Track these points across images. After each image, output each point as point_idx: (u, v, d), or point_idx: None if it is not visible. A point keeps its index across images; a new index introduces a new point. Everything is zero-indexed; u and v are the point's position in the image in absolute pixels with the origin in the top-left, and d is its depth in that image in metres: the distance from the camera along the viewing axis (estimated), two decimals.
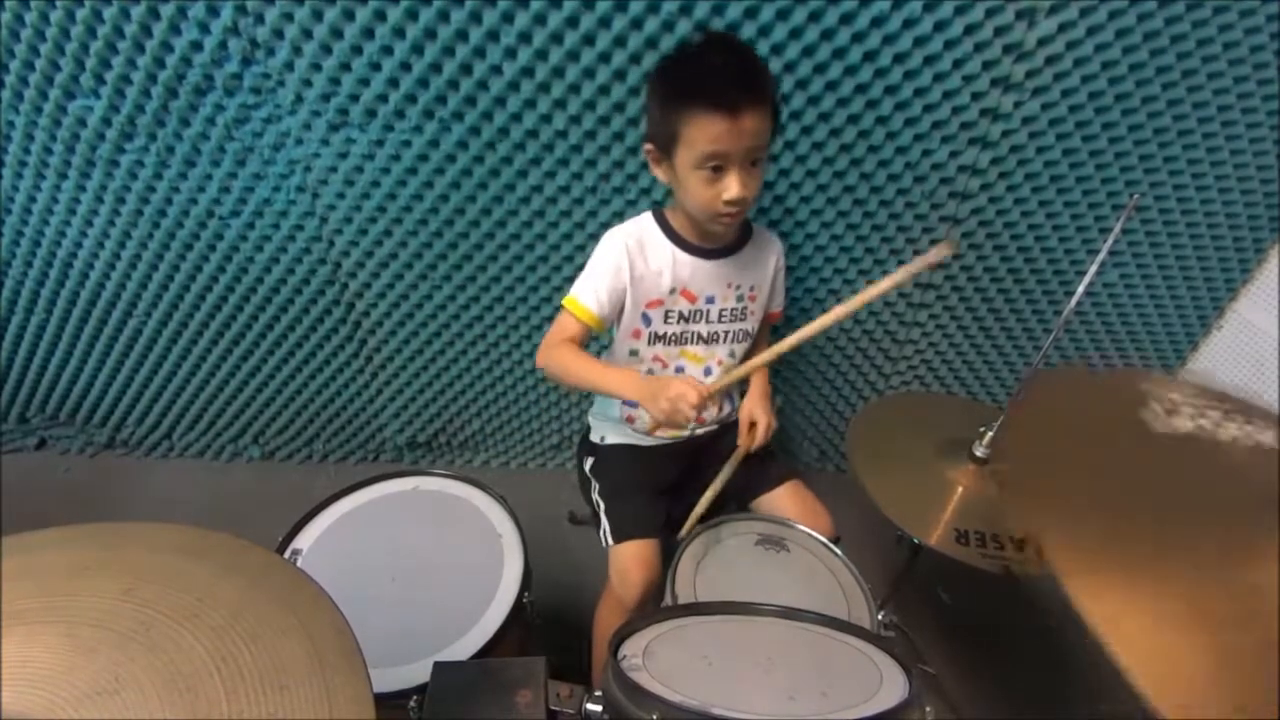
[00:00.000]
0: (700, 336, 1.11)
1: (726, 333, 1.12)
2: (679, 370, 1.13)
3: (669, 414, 0.86)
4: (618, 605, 1.07)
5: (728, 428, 1.23)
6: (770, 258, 1.14)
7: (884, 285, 0.83)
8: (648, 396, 0.90)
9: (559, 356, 1.03)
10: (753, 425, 1.15)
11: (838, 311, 0.86)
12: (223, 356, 1.62)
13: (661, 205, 1.29)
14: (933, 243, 1.42)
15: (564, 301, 1.06)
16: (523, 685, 0.66)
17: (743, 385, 1.23)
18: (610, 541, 1.09)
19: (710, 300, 1.09)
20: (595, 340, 1.34)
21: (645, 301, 1.06)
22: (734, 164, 0.89)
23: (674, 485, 1.21)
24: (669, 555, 0.99)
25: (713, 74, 0.88)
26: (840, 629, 0.75)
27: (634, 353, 1.11)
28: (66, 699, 0.41)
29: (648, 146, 0.98)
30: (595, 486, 1.18)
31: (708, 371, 1.15)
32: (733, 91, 0.85)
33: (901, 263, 1.45)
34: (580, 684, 0.67)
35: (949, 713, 1.29)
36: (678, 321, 1.09)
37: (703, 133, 0.86)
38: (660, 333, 1.09)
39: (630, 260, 1.03)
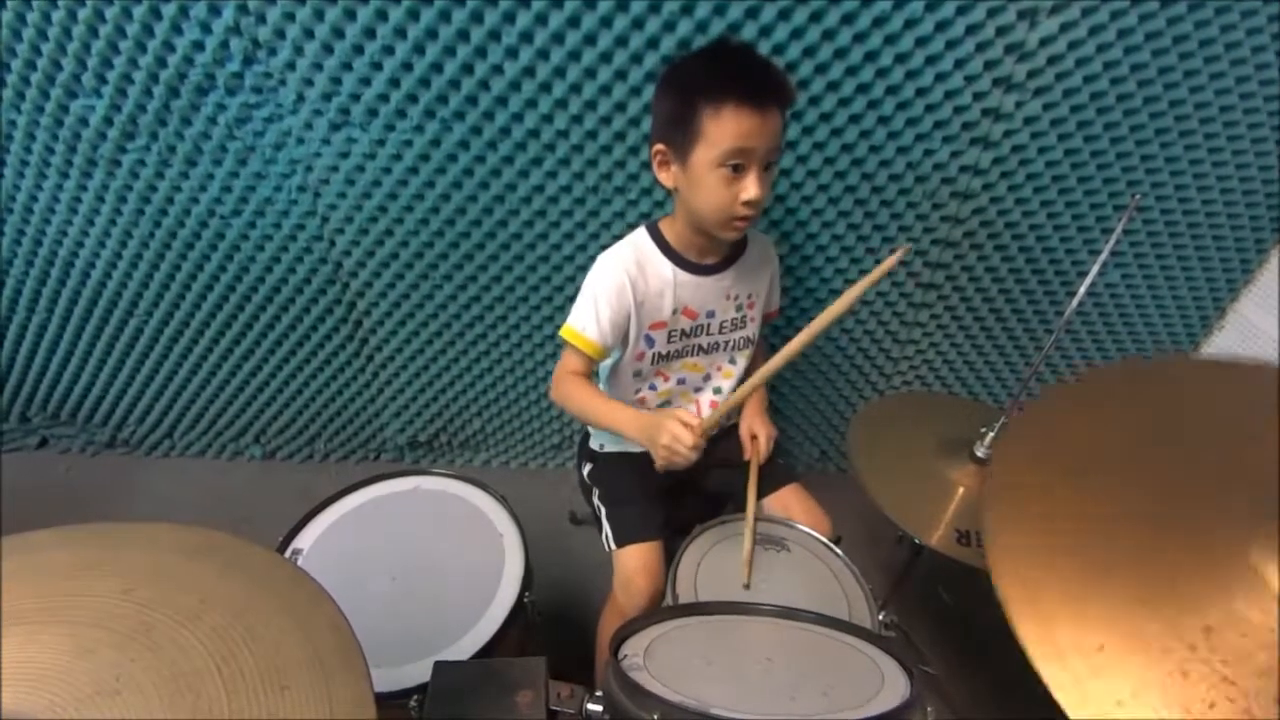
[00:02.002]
0: (701, 348, 1.11)
1: (727, 342, 1.12)
2: (680, 382, 1.13)
3: (668, 458, 0.86)
4: (620, 614, 1.06)
5: (726, 432, 1.23)
6: (766, 263, 1.13)
7: (845, 301, 0.75)
8: (646, 439, 0.90)
9: (567, 392, 1.03)
10: (754, 438, 1.16)
11: (807, 334, 0.79)
12: (223, 356, 1.62)
13: (660, 207, 1.29)
14: (934, 242, 1.42)
15: (562, 332, 1.03)
16: (523, 685, 0.66)
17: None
18: (612, 546, 1.08)
19: (710, 314, 1.08)
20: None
21: (649, 324, 1.04)
22: (755, 163, 0.87)
23: (673, 488, 1.21)
24: (673, 551, 0.99)
25: (742, 71, 0.87)
26: (841, 629, 0.75)
27: (637, 373, 1.10)
28: (67, 699, 0.41)
29: (659, 148, 0.93)
30: (595, 492, 1.18)
31: (707, 377, 1.15)
32: (763, 88, 0.85)
33: (903, 263, 1.45)
34: (580, 684, 0.67)
35: (949, 713, 1.29)
36: (680, 339, 1.08)
37: (731, 128, 0.84)
38: (663, 352, 1.08)
39: (633, 284, 0.99)
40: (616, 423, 0.96)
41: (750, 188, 0.87)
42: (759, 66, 0.90)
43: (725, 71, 0.87)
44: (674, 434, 0.84)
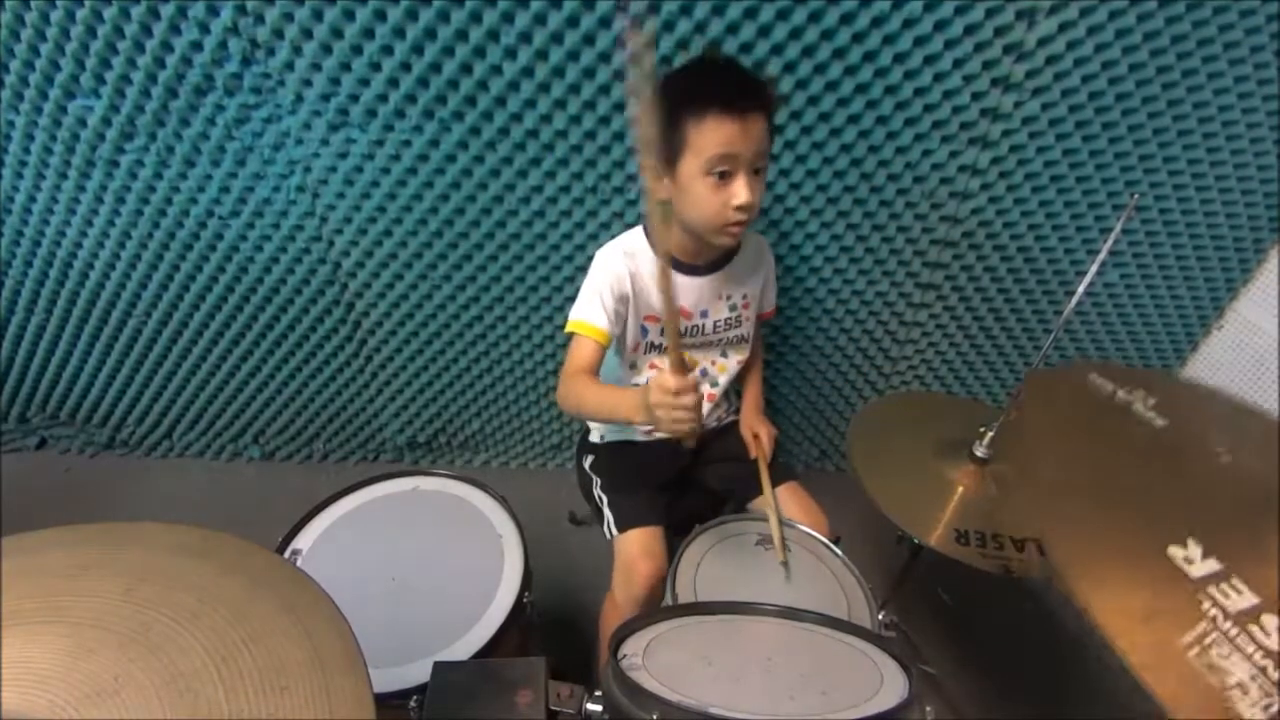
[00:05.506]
0: (695, 347, 1.12)
1: (721, 340, 1.13)
2: None
3: (670, 418, 0.78)
4: (623, 603, 1.06)
5: (726, 427, 1.23)
6: (761, 263, 1.14)
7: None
8: (647, 414, 0.81)
9: (572, 391, 0.99)
10: (756, 437, 1.17)
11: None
12: (223, 356, 1.62)
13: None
14: (932, 242, 1.42)
15: (569, 326, 1.03)
16: (523, 685, 0.66)
17: (739, 388, 1.24)
18: (615, 532, 1.09)
19: (704, 314, 1.09)
20: None
21: (644, 314, 1.05)
22: (742, 168, 0.88)
23: (674, 481, 1.21)
24: (673, 551, 0.99)
25: (721, 80, 0.89)
26: (840, 629, 0.75)
27: (633, 364, 1.12)
28: (67, 699, 0.41)
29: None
30: (596, 482, 1.18)
31: (703, 372, 1.15)
32: (742, 95, 0.87)
33: (902, 263, 1.46)
34: (580, 684, 0.67)
35: (949, 713, 1.29)
36: None
37: (713, 136, 0.86)
38: (657, 343, 1.09)
39: (631, 275, 1.02)
40: (619, 407, 0.91)
41: (740, 193, 0.89)
42: (738, 75, 0.92)
43: (705, 81, 0.89)
44: (660, 385, 0.76)
